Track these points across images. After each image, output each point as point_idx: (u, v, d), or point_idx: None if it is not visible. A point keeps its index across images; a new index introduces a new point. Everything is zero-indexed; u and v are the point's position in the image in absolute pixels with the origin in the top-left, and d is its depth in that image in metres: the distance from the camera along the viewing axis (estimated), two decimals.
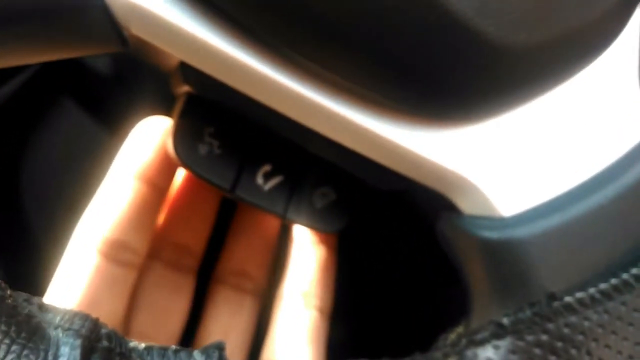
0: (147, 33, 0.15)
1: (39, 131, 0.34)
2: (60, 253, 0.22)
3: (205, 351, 0.14)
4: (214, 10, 0.14)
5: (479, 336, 0.16)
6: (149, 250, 0.23)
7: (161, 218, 0.24)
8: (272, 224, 0.25)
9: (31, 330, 0.13)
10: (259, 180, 0.19)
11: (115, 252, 0.21)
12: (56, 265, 0.21)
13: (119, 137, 0.22)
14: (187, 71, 0.17)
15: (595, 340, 0.16)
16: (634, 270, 0.17)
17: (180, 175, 0.24)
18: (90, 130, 0.34)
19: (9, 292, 0.13)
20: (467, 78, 0.15)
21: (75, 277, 0.21)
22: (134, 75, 0.33)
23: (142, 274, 0.23)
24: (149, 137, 0.21)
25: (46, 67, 0.34)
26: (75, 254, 0.21)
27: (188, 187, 0.24)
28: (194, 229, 0.24)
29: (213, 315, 0.24)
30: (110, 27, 0.14)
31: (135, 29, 0.15)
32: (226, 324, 0.23)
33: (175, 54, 0.15)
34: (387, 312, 0.30)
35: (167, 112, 0.22)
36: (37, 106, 0.34)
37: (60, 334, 0.13)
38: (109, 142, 0.34)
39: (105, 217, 0.21)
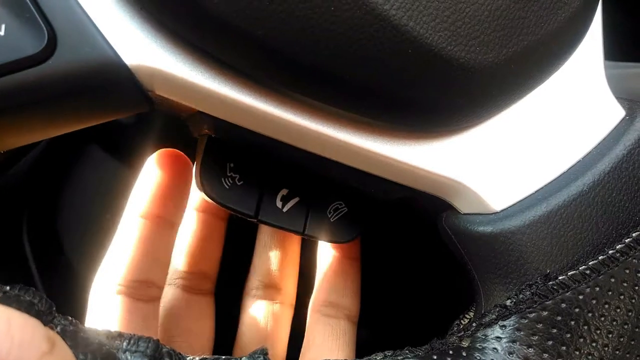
0: (169, 92, 0.17)
1: (71, 174, 0.37)
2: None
3: (252, 356, 0.16)
4: (223, 66, 0.17)
5: (487, 319, 0.19)
6: (167, 279, 0.24)
7: (177, 248, 0.25)
8: (293, 240, 0.27)
9: (105, 357, 0.15)
10: (278, 203, 0.22)
11: (141, 291, 0.22)
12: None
13: (138, 172, 0.24)
14: (204, 118, 0.19)
15: (591, 311, 0.18)
16: (619, 246, 0.19)
17: (189, 207, 0.25)
18: (113, 169, 0.37)
19: (80, 326, 0.15)
20: (447, 97, 0.17)
21: (109, 322, 0.21)
22: (145, 118, 0.35)
23: (167, 302, 0.24)
24: (159, 173, 0.22)
25: None
26: (102, 300, 0.22)
27: (198, 218, 0.25)
28: (207, 255, 0.26)
29: (250, 325, 0.26)
30: (138, 92, 0.17)
31: (159, 90, 0.17)
32: (263, 332, 0.26)
33: (194, 106, 0.18)
34: (402, 306, 0.32)
35: (174, 146, 0.24)
36: (67, 155, 0.37)
37: (130, 357, 0.15)
38: (130, 178, 0.37)
39: (125, 259, 0.22)
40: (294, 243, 0.27)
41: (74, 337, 0.15)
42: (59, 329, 0.14)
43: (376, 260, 0.29)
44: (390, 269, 0.32)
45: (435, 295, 0.31)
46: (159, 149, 0.23)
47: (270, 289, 0.26)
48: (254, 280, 0.26)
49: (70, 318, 0.15)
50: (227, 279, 0.27)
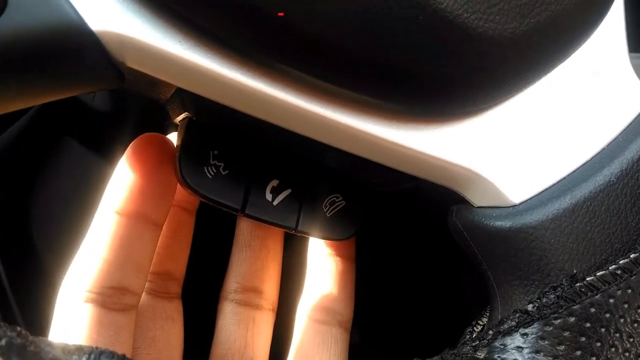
0: (143, 64, 0.15)
1: (45, 166, 0.34)
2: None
3: None
4: (205, 35, 0.14)
5: (506, 326, 0.16)
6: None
7: None
8: (276, 236, 0.24)
9: None
10: (268, 196, 0.19)
11: (114, 299, 0.19)
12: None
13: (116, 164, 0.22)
14: (184, 97, 0.17)
15: (622, 317, 0.16)
16: None
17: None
18: (90, 162, 0.34)
19: (30, 338, 0.13)
20: (463, 72, 0.15)
21: (76, 335, 0.19)
22: (121, 106, 0.33)
23: None
24: (139, 161, 0.19)
25: (44, 109, 0.34)
26: (69, 309, 0.19)
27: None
28: (173, 254, 0.23)
29: (226, 333, 0.23)
30: (106, 64, 0.14)
31: (131, 62, 0.15)
32: (241, 341, 0.23)
33: (172, 82, 0.16)
34: (407, 306, 0.30)
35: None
36: (41, 145, 0.34)
37: None
38: (109, 171, 0.35)
39: (98, 262, 0.19)
40: (277, 239, 0.24)
41: (21, 351, 0.12)
42: (3, 341, 0.12)
43: (374, 259, 0.27)
44: (389, 268, 0.30)
45: (440, 297, 0.29)
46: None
47: (250, 292, 0.24)
48: (232, 282, 0.24)
49: (18, 329, 0.13)
50: (199, 281, 0.24)
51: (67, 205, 0.35)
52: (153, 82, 0.17)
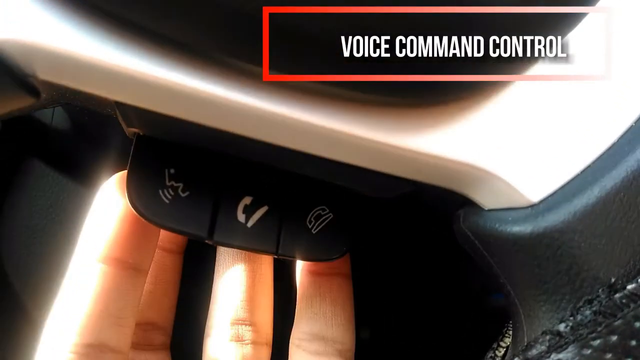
0: (60, 76, 0.12)
1: (11, 192, 0.32)
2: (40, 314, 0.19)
3: None
4: (133, 31, 0.11)
5: (534, 351, 0.14)
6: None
7: None
8: (263, 257, 0.21)
9: None
10: (240, 217, 0.17)
11: (93, 357, 0.17)
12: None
13: (91, 191, 0.19)
14: (124, 111, 0.14)
15: None
16: None
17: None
18: (59, 182, 0.32)
19: None
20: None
21: None
22: (97, 128, 0.30)
23: None
24: (116, 202, 0.17)
25: (6, 130, 0.32)
26: None
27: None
28: (156, 302, 0.20)
29: None
30: (10, 78, 0.12)
31: (44, 74, 0.12)
32: None
33: (103, 94, 0.13)
34: (415, 306, 0.28)
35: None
36: (4, 170, 0.32)
37: None
38: (80, 190, 0.32)
39: (77, 317, 0.17)
40: (265, 261, 0.21)
41: None
42: None
43: (373, 275, 0.24)
44: (390, 284, 0.27)
45: (448, 297, 0.26)
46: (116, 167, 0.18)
47: (239, 326, 0.21)
48: (217, 316, 0.21)
49: None
50: (191, 325, 0.22)
51: (40, 234, 0.32)
52: (87, 96, 0.14)
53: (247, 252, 0.20)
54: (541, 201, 0.14)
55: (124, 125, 0.16)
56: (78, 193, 0.31)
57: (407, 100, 0.13)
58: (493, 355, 0.15)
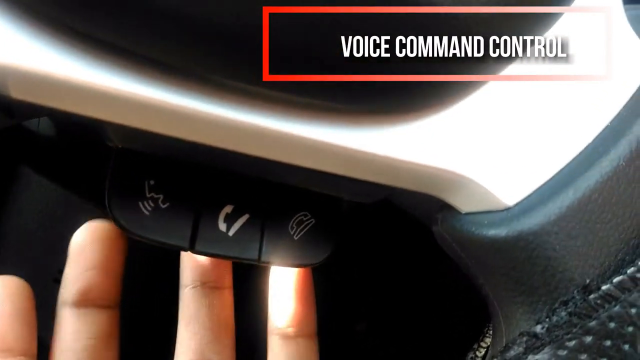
0: (35, 95, 0.12)
1: (4, 202, 0.32)
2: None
3: None
4: (102, 48, 0.11)
5: (512, 353, 0.14)
6: None
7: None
8: (225, 297, 0.21)
9: None
10: (222, 226, 0.17)
11: None
12: None
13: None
14: (101, 127, 0.14)
15: None
16: None
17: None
18: (51, 191, 0.32)
19: None
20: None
21: None
22: (67, 130, 0.31)
23: None
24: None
25: None
26: None
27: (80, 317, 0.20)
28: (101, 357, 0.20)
29: None
30: None
31: (18, 93, 0.12)
32: None
33: (79, 112, 0.13)
34: (410, 301, 0.28)
35: None
36: None
37: None
38: (71, 202, 0.32)
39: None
40: (226, 301, 0.21)
41: None
42: None
43: (358, 276, 0.24)
44: (375, 285, 0.27)
45: (442, 293, 0.26)
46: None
47: None
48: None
49: None
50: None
51: (32, 238, 0.33)
52: (63, 112, 0.14)
53: (207, 299, 0.20)
54: (516, 204, 0.14)
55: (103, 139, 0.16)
56: (67, 198, 0.31)
57: (381, 109, 0.14)
58: (474, 355, 0.16)
